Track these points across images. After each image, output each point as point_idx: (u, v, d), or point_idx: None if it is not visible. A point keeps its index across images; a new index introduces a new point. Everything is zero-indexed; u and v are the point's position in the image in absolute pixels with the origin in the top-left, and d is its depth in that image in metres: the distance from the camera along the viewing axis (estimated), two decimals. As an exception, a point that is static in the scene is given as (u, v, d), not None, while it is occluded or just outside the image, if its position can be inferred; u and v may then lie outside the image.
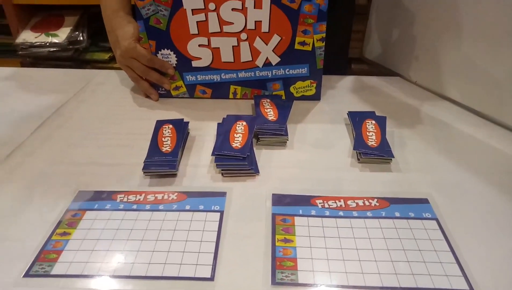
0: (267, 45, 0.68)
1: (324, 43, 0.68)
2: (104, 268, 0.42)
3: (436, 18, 0.73)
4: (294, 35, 0.68)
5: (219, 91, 0.74)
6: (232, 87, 0.73)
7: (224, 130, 0.61)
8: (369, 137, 0.61)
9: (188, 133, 0.65)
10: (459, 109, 0.72)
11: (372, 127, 0.63)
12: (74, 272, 0.42)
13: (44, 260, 0.43)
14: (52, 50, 1.69)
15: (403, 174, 0.56)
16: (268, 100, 0.70)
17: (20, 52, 1.70)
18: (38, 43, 1.69)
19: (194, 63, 0.71)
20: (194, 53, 0.70)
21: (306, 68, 0.71)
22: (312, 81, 0.72)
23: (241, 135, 0.60)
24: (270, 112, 0.66)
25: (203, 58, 0.70)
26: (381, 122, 0.64)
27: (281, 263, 0.43)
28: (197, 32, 0.68)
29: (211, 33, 0.68)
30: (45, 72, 0.89)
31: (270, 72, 0.71)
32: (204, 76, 0.72)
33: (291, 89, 0.73)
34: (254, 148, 0.61)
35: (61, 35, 1.70)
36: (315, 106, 0.73)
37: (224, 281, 0.41)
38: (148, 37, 0.69)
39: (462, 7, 0.68)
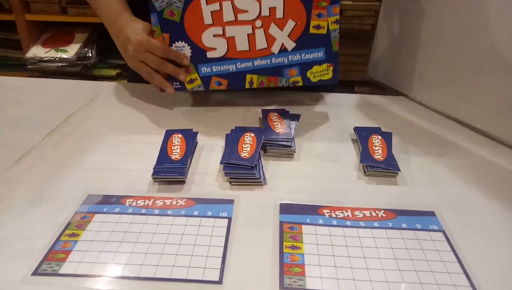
0: (282, 31, 0.69)
1: (338, 26, 0.69)
2: (112, 269, 0.42)
3: (441, 39, 0.75)
4: (308, 19, 0.68)
5: (235, 81, 0.73)
6: (248, 76, 0.72)
7: (233, 140, 0.62)
8: (375, 151, 0.61)
9: (197, 143, 0.66)
10: (463, 128, 0.73)
11: (378, 142, 0.64)
12: (82, 272, 0.42)
13: (52, 259, 0.43)
14: (60, 65, 1.73)
15: (409, 187, 0.57)
16: (276, 114, 0.71)
17: (29, 66, 1.74)
18: (47, 58, 1.73)
19: (209, 54, 0.71)
20: (209, 44, 0.70)
21: (322, 52, 0.70)
22: (328, 64, 0.72)
23: (249, 145, 0.61)
24: (277, 125, 0.67)
25: (218, 48, 0.70)
26: (387, 138, 0.65)
27: (289, 269, 0.43)
28: (211, 22, 0.68)
29: (226, 22, 0.68)
30: (57, 82, 0.91)
31: (286, 58, 0.71)
32: (219, 67, 0.72)
33: (308, 74, 0.72)
34: (262, 159, 0.61)
35: (71, 51, 1.74)
36: (321, 121, 0.74)
37: (232, 284, 0.41)
38: (162, 30, 0.69)
39: (467, 29, 0.70)
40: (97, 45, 1.79)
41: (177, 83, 0.73)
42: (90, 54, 1.75)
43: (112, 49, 1.83)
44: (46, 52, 1.73)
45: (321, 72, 0.72)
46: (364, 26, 1.77)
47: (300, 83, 0.73)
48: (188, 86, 0.74)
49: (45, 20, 1.77)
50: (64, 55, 1.72)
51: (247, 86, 0.73)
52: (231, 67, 0.71)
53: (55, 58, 1.71)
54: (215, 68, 0.72)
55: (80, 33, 1.81)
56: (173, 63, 0.71)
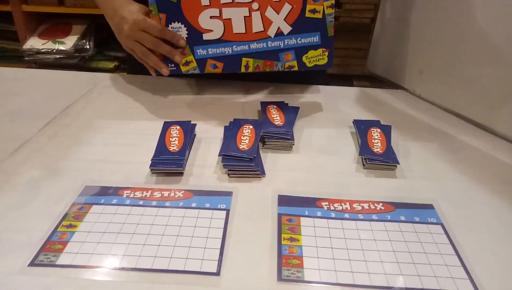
0: (278, 14, 0.68)
1: (334, 10, 0.69)
2: (110, 260, 0.42)
3: (440, 33, 0.75)
4: (304, 3, 0.68)
5: (231, 64, 0.72)
6: (244, 60, 0.72)
7: (231, 132, 0.62)
8: (374, 144, 0.61)
9: (195, 135, 0.65)
10: (462, 122, 0.73)
11: (377, 135, 0.63)
12: (79, 262, 0.42)
13: (49, 250, 0.43)
14: (58, 57, 1.72)
15: (408, 180, 0.57)
16: (275, 106, 0.71)
17: (26, 58, 1.72)
18: (45, 50, 1.71)
19: (205, 36, 0.70)
20: (205, 25, 0.69)
21: (317, 36, 0.70)
22: (324, 49, 0.71)
23: (248, 137, 0.60)
24: (276, 118, 0.67)
25: (214, 30, 0.70)
26: (386, 131, 0.65)
27: (287, 260, 0.43)
28: (208, 4, 0.68)
29: (223, 4, 0.68)
30: (54, 73, 0.90)
31: (282, 42, 0.71)
32: (215, 49, 0.71)
33: (304, 59, 0.72)
34: (260, 151, 0.61)
35: (68, 42, 1.73)
36: (320, 114, 0.74)
37: (230, 276, 0.41)
38: (158, 10, 0.68)
39: (466, 23, 0.69)
40: (95, 37, 1.78)
41: (172, 65, 0.72)
42: (88, 46, 1.74)
43: (110, 42, 1.82)
44: (43, 44, 1.72)
45: (317, 57, 0.72)
46: (363, 19, 1.76)
47: (296, 68, 0.72)
48: (183, 69, 0.73)
49: (42, 11, 1.75)
50: (62, 47, 1.71)
51: (242, 69, 0.72)
52: (227, 50, 0.71)
53: (53, 50, 1.70)
54: (211, 51, 0.71)
55: (78, 24, 1.79)
56: (169, 44, 0.70)
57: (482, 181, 0.57)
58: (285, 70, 0.72)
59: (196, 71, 0.73)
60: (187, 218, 0.48)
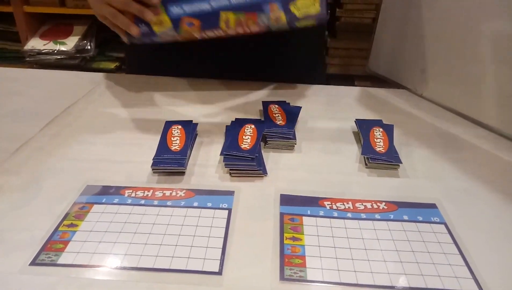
0: None
1: None
2: (112, 259, 0.42)
3: (442, 32, 0.74)
4: None
5: (209, 21, 0.64)
6: (223, 14, 0.63)
7: (233, 132, 0.62)
8: (377, 144, 0.61)
9: (197, 135, 0.65)
10: (465, 121, 0.73)
11: (379, 134, 0.63)
12: (81, 262, 0.42)
13: (51, 249, 0.43)
14: (59, 57, 1.72)
15: (411, 180, 0.57)
16: (276, 106, 0.71)
17: (27, 59, 1.72)
18: (46, 51, 1.71)
19: None
20: None
21: None
22: None
23: (249, 137, 0.60)
24: (278, 117, 0.67)
25: None
26: (388, 130, 0.64)
27: (290, 260, 0.43)
28: None
29: None
30: (55, 74, 0.90)
31: None
32: (191, 6, 0.64)
33: (292, 8, 0.63)
34: (262, 151, 0.61)
35: (69, 43, 1.73)
36: (322, 113, 0.74)
37: (232, 275, 0.41)
38: None
39: (468, 21, 0.69)
40: (96, 38, 1.78)
41: (143, 25, 0.65)
42: (89, 47, 1.74)
43: (111, 42, 1.82)
44: (44, 45, 1.72)
45: (306, 5, 0.63)
46: (364, 19, 1.75)
47: (283, 19, 0.63)
48: (157, 29, 0.65)
49: (44, 12, 1.75)
50: (63, 48, 1.71)
51: (222, 26, 0.64)
52: (205, 6, 0.63)
53: (54, 51, 1.70)
54: (187, 8, 0.64)
55: (79, 25, 1.79)
56: (141, 4, 0.64)
57: (485, 180, 0.57)
58: (272, 26, 0.64)
59: (172, 33, 0.66)
60: (188, 217, 0.48)
